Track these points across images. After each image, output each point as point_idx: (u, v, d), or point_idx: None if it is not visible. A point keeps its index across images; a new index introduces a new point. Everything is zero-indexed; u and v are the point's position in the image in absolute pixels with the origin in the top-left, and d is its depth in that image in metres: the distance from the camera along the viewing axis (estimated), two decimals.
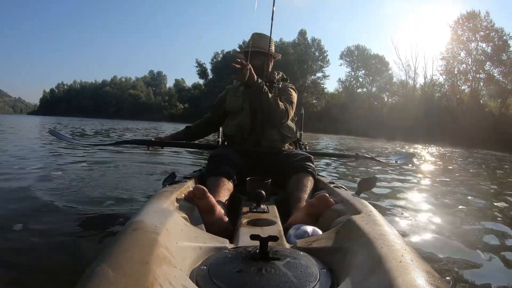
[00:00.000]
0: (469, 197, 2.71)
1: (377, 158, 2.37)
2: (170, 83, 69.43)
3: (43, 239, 1.44)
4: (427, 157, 8.36)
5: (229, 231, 1.01)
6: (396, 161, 2.45)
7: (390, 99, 36.37)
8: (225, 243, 0.77)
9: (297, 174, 1.39)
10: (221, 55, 46.83)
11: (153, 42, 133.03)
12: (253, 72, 1.53)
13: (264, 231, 0.90)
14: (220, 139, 2.11)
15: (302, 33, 43.45)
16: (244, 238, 0.83)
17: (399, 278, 0.49)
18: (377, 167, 4.34)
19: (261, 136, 1.69)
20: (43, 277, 1.14)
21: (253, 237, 0.68)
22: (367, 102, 35.66)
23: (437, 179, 3.61)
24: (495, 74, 27.74)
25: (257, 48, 1.75)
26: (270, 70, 1.82)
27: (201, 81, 49.62)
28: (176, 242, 0.67)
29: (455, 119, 24.34)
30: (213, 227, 0.98)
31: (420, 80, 33.41)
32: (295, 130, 1.81)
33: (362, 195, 1.13)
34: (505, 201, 2.64)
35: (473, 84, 28.60)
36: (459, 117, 24.44)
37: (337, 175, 3.62)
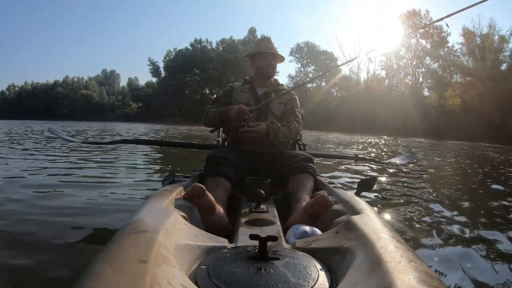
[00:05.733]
0: (467, 196, 2.72)
1: (377, 160, 2.38)
2: (123, 82, 68.93)
3: (42, 239, 1.44)
4: (374, 148, 9.17)
5: (228, 231, 1.01)
6: (396, 162, 2.45)
7: (339, 94, 38.20)
8: (224, 242, 0.77)
9: (297, 175, 1.39)
10: (173, 53, 46.95)
11: (105, 39, 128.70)
12: (258, 130, 1.56)
13: (264, 231, 0.90)
14: (220, 139, 2.11)
15: (252, 31, 44.45)
16: (243, 238, 0.83)
17: (398, 279, 0.49)
18: (377, 168, 4.34)
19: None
20: (42, 277, 1.13)
21: (252, 237, 0.68)
22: (318, 96, 36.76)
23: (434, 178, 3.61)
24: (436, 68, 30.63)
25: (263, 49, 1.78)
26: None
27: (154, 80, 49.59)
28: (175, 242, 0.67)
29: (397, 111, 26.39)
30: (213, 226, 0.98)
31: (363, 75, 36.12)
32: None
33: (361, 195, 1.13)
34: (506, 201, 2.65)
35: (413, 78, 31.31)
36: (401, 109, 26.48)
37: (336, 175, 3.62)
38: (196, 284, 0.58)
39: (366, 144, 10.87)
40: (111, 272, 0.47)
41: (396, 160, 2.49)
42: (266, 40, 1.88)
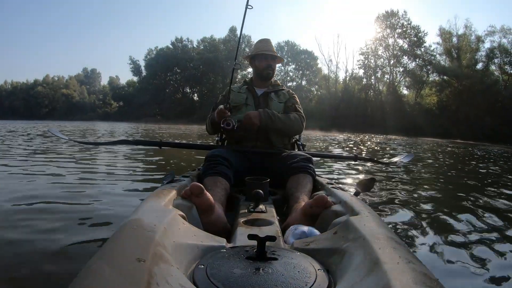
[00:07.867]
0: (465, 196, 2.72)
1: (377, 159, 2.38)
2: (104, 81, 67.98)
3: (40, 238, 1.43)
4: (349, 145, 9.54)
5: (227, 231, 1.01)
6: (396, 162, 2.44)
7: (319, 92, 39.46)
8: (223, 242, 0.77)
9: (296, 175, 1.39)
10: (154, 52, 46.83)
11: (86, 38, 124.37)
12: (250, 116, 1.64)
13: (262, 231, 0.90)
14: (218, 139, 2.11)
15: (233, 30, 44.66)
16: (242, 238, 0.83)
17: (396, 280, 0.49)
18: (376, 168, 4.35)
19: (265, 132, 1.70)
20: (40, 275, 1.13)
21: (251, 236, 0.68)
22: (298, 95, 37.60)
23: (434, 179, 3.61)
24: (413, 67, 31.70)
25: (263, 51, 1.80)
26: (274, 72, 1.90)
27: (135, 78, 49.25)
28: (173, 241, 0.67)
29: (375, 109, 27.77)
30: (211, 226, 0.98)
31: (342, 74, 37.68)
32: None
33: (360, 196, 1.13)
34: (504, 200, 2.65)
35: (391, 77, 32.57)
36: (378, 107, 27.84)
37: (335, 175, 3.62)
38: (194, 283, 0.58)
39: (343, 142, 11.06)
40: (109, 271, 0.47)
41: (396, 160, 2.49)
42: (265, 41, 1.88)
